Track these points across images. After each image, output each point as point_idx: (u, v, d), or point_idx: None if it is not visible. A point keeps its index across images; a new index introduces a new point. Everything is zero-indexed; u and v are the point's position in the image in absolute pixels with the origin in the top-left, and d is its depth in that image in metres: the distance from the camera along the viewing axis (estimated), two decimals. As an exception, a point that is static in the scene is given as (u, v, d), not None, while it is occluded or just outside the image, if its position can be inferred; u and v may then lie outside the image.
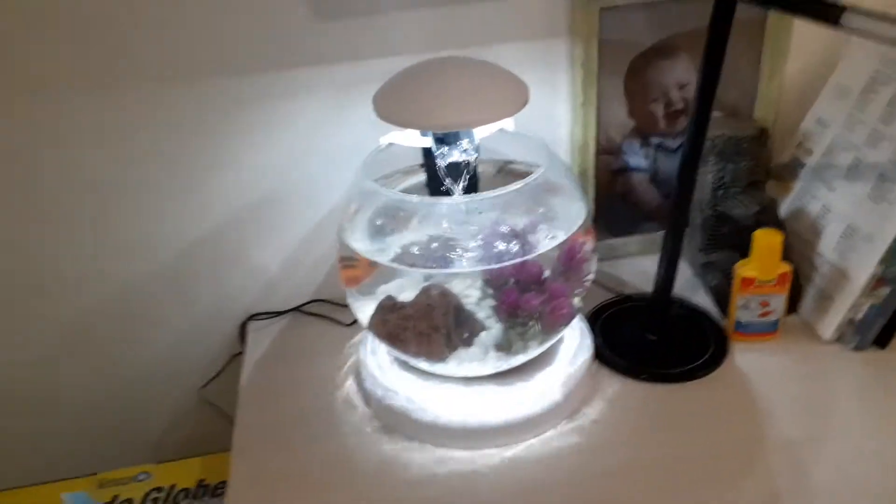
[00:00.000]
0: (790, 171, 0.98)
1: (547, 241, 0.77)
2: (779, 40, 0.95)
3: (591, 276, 0.83)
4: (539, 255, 0.76)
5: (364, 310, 0.83)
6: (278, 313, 1.00)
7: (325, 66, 0.88)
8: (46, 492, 0.91)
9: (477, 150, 0.76)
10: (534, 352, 0.80)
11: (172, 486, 0.91)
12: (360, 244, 0.80)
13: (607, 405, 0.82)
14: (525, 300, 0.78)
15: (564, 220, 0.79)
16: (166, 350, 1.01)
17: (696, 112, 0.75)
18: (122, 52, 0.83)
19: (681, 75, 0.95)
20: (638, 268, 1.04)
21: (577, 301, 0.81)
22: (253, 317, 1.01)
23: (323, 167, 0.94)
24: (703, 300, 0.96)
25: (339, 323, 0.97)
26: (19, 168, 0.87)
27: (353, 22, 0.86)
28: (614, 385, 0.84)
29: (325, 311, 1.00)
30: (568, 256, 0.80)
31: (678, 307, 0.94)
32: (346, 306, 0.85)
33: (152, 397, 1.04)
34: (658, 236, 1.05)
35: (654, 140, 0.99)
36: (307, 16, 0.85)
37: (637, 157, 1.00)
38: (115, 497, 0.90)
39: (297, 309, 1.01)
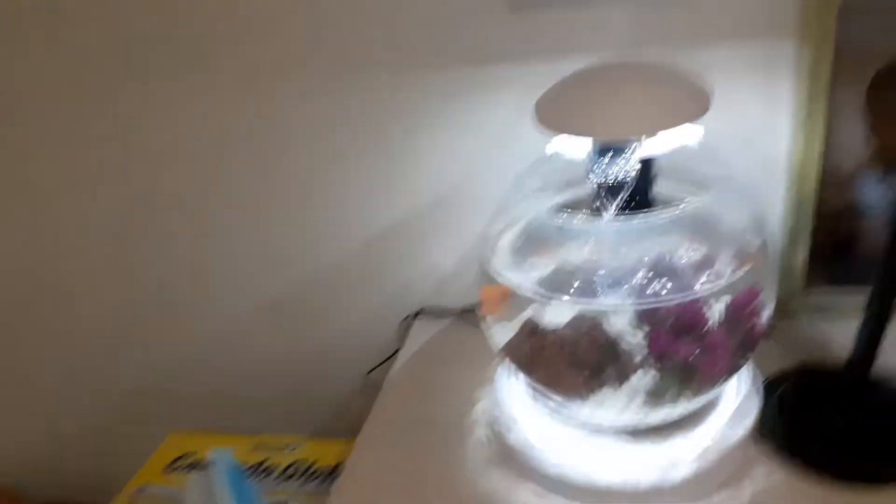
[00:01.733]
0: None
1: (706, 283, 0.65)
2: None
3: (763, 320, 0.68)
4: (705, 296, 0.65)
5: (500, 335, 0.78)
6: (446, 313, 1.00)
7: (519, 63, 0.84)
8: (218, 440, 1.01)
9: (636, 163, 0.67)
10: (676, 409, 0.69)
11: (313, 463, 0.95)
12: (504, 267, 0.75)
13: (753, 498, 0.67)
14: (673, 345, 0.67)
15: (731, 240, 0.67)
16: (342, 333, 1.06)
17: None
18: (328, 46, 0.86)
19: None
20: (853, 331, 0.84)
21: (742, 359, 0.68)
22: (421, 311, 1.01)
23: (506, 169, 0.90)
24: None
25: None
26: (243, 160, 0.95)
27: (552, 15, 0.80)
28: (774, 473, 0.69)
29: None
30: (737, 304, 0.67)
31: (883, 384, 0.74)
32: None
33: (325, 377, 1.10)
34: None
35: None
36: (503, 7, 0.81)
37: (872, 194, 0.80)
38: (263, 461, 0.96)
39: (463, 312, 0.99)
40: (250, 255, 1.03)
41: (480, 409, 0.83)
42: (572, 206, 0.79)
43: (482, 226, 0.93)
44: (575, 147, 0.72)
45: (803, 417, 0.74)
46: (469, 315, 0.98)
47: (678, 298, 0.65)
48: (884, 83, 0.75)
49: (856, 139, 0.78)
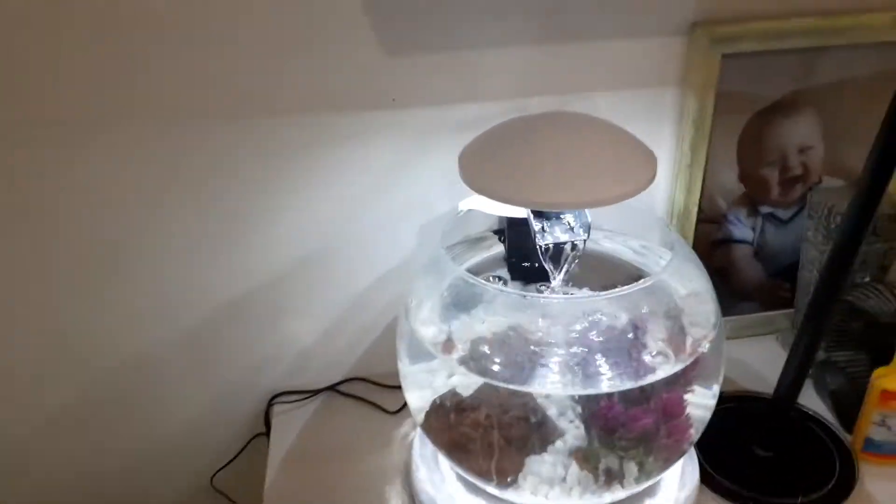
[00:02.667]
0: (922, 253, 0.83)
1: (665, 357, 0.61)
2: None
3: (718, 383, 0.67)
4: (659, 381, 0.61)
5: (419, 399, 0.67)
6: (310, 393, 0.85)
7: (395, 110, 0.73)
8: None
9: (587, 229, 0.61)
10: (635, 486, 0.64)
11: None
12: (429, 329, 0.65)
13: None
14: (632, 418, 0.62)
15: (685, 314, 0.64)
16: (177, 429, 0.86)
17: (870, 184, 0.59)
18: (156, 91, 0.68)
19: (804, 136, 0.80)
20: (733, 355, 0.88)
21: (695, 413, 0.66)
22: (279, 395, 0.85)
23: (381, 224, 0.79)
24: (813, 403, 0.81)
25: (381, 409, 0.82)
26: (24, 219, 0.72)
27: (430, 59, 0.71)
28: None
29: (366, 392, 0.84)
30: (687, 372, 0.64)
31: (793, 413, 0.79)
32: (390, 387, 0.70)
33: (158, 481, 0.89)
34: (757, 318, 0.90)
35: (764, 209, 0.84)
36: (379, 51, 0.70)
37: (743, 228, 0.85)
38: None
39: (331, 388, 0.85)
40: (44, 346, 0.79)
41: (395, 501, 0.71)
42: (490, 266, 0.72)
43: (351, 292, 0.82)
44: (494, 205, 0.64)
45: (726, 449, 0.75)
46: (340, 394, 0.85)
47: (631, 383, 0.60)
48: (755, 129, 0.79)
49: (730, 180, 0.81)
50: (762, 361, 0.85)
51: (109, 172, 0.71)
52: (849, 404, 0.76)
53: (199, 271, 0.77)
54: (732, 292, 0.88)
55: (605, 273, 0.74)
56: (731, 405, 0.80)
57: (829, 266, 0.63)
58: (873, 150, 0.58)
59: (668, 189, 0.82)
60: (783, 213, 0.84)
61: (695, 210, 0.82)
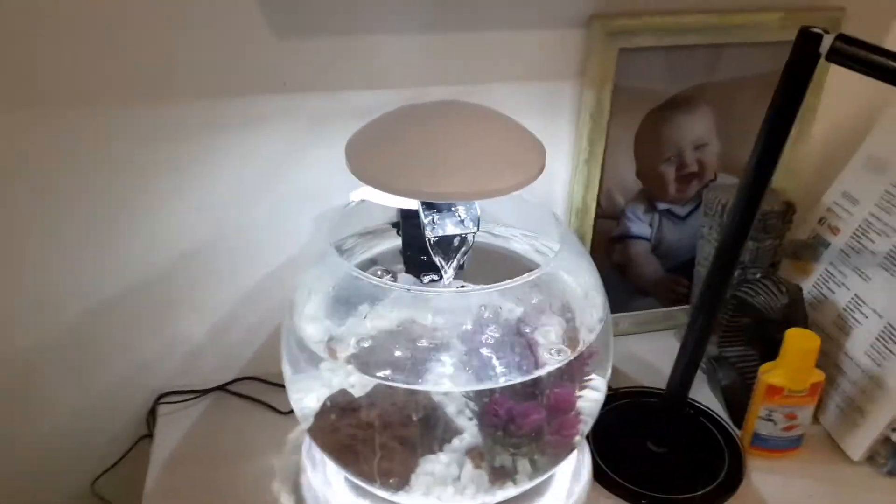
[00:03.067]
0: (810, 250, 0.85)
1: (556, 352, 0.60)
2: (809, 97, 0.81)
3: (605, 376, 0.67)
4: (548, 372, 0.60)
5: (306, 400, 0.64)
6: (198, 392, 0.80)
7: (287, 95, 0.70)
8: None
9: (477, 222, 0.59)
10: (527, 483, 0.63)
11: None
12: (315, 326, 0.62)
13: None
14: (522, 413, 0.61)
15: (574, 308, 0.63)
16: (55, 433, 0.80)
17: (753, 180, 0.60)
18: (35, 72, 0.63)
19: (700, 133, 0.81)
20: (631, 351, 0.89)
21: (586, 407, 0.65)
22: (165, 395, 0.80)
23: (273, 215, 0.75)
24: (707, 398, 0.82)
25: (273, 409, 0.78)
26: None
27: (324, 44, 0.68)
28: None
29: (257, 391, 0.80)
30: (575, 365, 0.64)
31: (686, 409, 0.80)
32: (283, 386, 0.67)
33: (35, 489, 0.83)
34: (655, 314, 0.91)
35: (661, 206, 0.84)
36: (268, 32, 0.66)
37: (640, 224, 0.85)
38: None
39: (221, 388, 0.81)
40: None
41: (284, 508, 0.68)
42: (387, 260, 0.70)
43: (242, 287, 0.78)
44: (387, 196, 0.62)
45: (619, 446, 0.75)
46: (231, 394, 0.81)
47: (523, 377, 0.59)
48: (652, 124, 0.79)
49: (628, 176, 0.82)
50: (660, 357, 0.86)
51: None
52: (739, 400, 0.77)
53: (79, 264, 0.72)
54: (631, 288, 0.89)
55: (504, 270, 0.73)
56: (627, 401, 0.81)
57: (715, 261, 0.64)
58: (756, 145, 0.58)
59: (566, 184, 0.81)
60: (680, 210, 0.85)
61: (593, 206, 0.82)
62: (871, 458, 0.75)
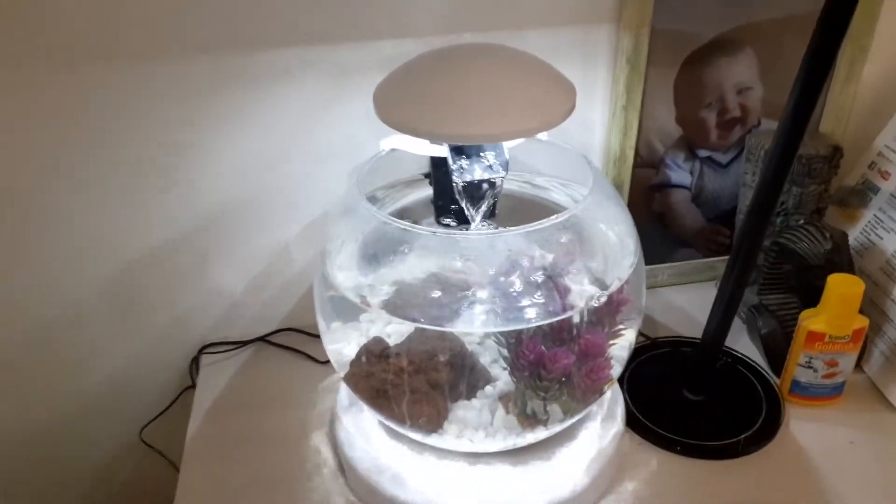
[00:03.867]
0: (859, 196, 0.82)
1: (584, 289, 0.60)
2: (860, 36, 0.78)
3: (637, 322, 0.66)
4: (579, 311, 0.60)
5: (342, 349, 0.66)
6: (239, 344, 0.82)
7: (316, 47, 0.70)
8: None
9: (506, 166, 0.59)
10: (558, 426, 0.64)
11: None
12: (348, 275, 0.63)
13: (642, 487, 0.66)
14: (552, 358, 0.61)
15: (608, 254, 0.62)
16: (103, 384, 0.84)
17: (790, 126, 0.57)
18: (57, 30, 0.64)
19: (742, 76, 0.78)
20: (670, 302, 0.88)
21: (616, 353, 0.65)
22: (208, 347, 0.83)
23: (306, 169, 0.76)
24: (747, 347, 0.81)
25: (312, 359, 0.80)
26: None
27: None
28: (649, 460, 0.69)
29: (297, 342, 0.82)
30: (610, 299, 0.63)
31: (723, 357, 0.78)
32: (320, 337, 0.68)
33: (84, 440, 0.86)
34: (696, 265, 0.89)
35: (702, 153, 0.82)
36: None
37: (681, 173, 0.83)
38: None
39: (261, 339, 0.83)
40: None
41: (319, 450, 0.70)
42: (418, 211, 0.70)
43: (278, 241, 0.79)
44: (417, 143, 0.62)
45: (656, 396, 0.74)
46: (271, 345, 0.83)
47: (552, 318, 0.59)
48: (692, 69, 0.77)
49: (668, 122, 0.80)
50: (700, 308, 0.84)
51: (5, 117, 0.67)
52: (779, 348, 0.76)
53: (113, 219, 0.74)
54: (671, 239, 0.87)
55: (538, 218, 0.72)
56: (665, 350, 0.80)
57: (752, 207, 0.62)
58: (794, 86, 0.56)
59: (603, 132, 0.80)
60: (722, 157, 0.83)
61: (631, 154, 0.80)
62: (917, 407, 0.73)
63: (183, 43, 0.67)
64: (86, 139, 0.69)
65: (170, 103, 0.69)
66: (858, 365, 0.76)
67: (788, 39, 0.77)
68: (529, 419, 0.64)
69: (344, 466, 0.67)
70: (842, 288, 0.68)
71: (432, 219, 0.71)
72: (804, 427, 0.72)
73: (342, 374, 0.66)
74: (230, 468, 0.69)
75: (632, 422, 0.71)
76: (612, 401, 0.71)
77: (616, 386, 0.72)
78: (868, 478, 0.66)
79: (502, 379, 0.65)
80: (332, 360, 0.68)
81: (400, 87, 0.57)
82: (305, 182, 0.76)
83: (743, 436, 0.70)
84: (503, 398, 0.64)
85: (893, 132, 0.80)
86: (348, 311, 0.64)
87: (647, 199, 0.84)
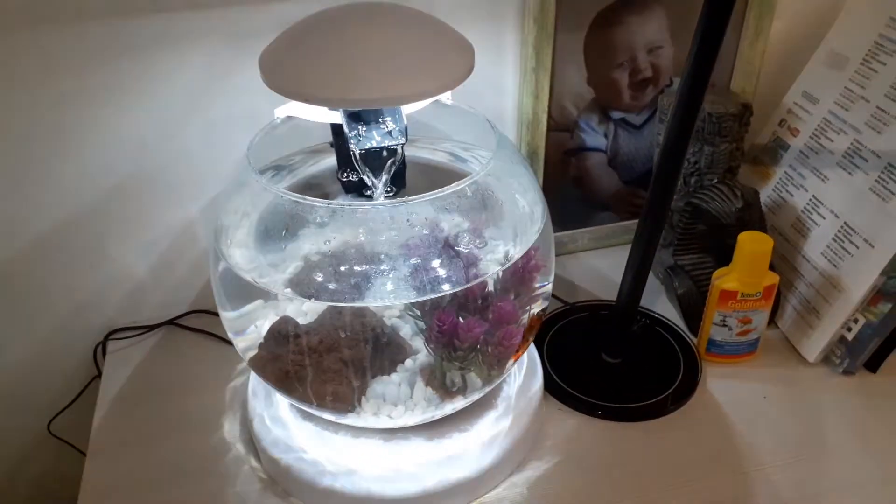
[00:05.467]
0: (770, 153, 0.83)
1: (495, 257, 0.59)
2: (767, -8, 0.78)
3: (548, 287, 0.65)
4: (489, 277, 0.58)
5: (244, 333, 0.63)
6: (147, 328, 0.79)
7: (208, 10, 0.66)
8: None
9: (405, 132, 0.57)
10: (476, 394, 0.63)
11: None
12: (244, 255, 0.60)
13: (561, 452, 0.66)
14: (465, 327, 0.60)
15: (515, 219, 0.61)
16: (5, 378, 0.79)
17: (691, 81, 0.57)
18: None
19: (652, 35, 0.78)
20: (589, 266, 0.87)
21: (527, 320, 0.64)
22: (114, 332, 0.79)
23: (206, 141, 0.72)
24: (665, 308, 0.81)
25: (225, 341, 0.77)
26: None
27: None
28: (569, 425, 0.68)
29: (209, 324, 0.79)
30: (517, 266, 0.62)
31: (641, 319, 0.79)
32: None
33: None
34: (614, 228, 0.89)
35: (616, 115, 0.82)
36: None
37: (595, 136, 0.82)
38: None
39: (171, 322, 0.79)
40: None
41: (231, 435, 0.67)
42: (321, 183, 0.67)
43: (181, 219, 0.76)
44: (313, 110, 0.59)
45: (575, 359, 0.74)
46: (181, 328, 0.79)
47: (456, 287, 0.57)
48: (602, 27, 0.76)
49: (579, 84, 0.78)
50: (619, 271, 0.83)
51: None
52: (695, 308, 0.76)
53: (4, 203, 0.69)
54: (588, 203, 0.87)
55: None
56: (583, 315, 0.79)
57: (660, 166, 0.61)
58: (694, 38, 0.55)
59: (515, 96, 0.78)
60: (635, 119, 0.82)
61: (544, 118, 0.79)
62: (826, 358, 0.74)
63: (54, 8, 0.62)
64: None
65: (55, 75, 0.65)
66: (773, 321, 0.78)
67: (697, -3, 0.77)
68: (448, 390, 0.62)
69: (257, 450, 0.65)
70: (751, 246, 0.69)
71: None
72: (721, 384, 0.72)
73: (248, 359, 0.63)
74: (139, 458, 0.66)
75: (551, 387, 0.71)
76: (531, 367, 0.70)
77: (535, 352, 0.72)
78: (782, 430, 0.68)
79: (423, 352, 0.63)
80: (237, 347, 0.65)
81: (287, 51, 0.54)
82: (207, 155, 0.73)
83: (661, 396, 0.70)
84: (423, 371, 0.63)
85: (801, 88, 0.81)
86: (247, 292, 0.61)
87: (563, 164, 0.83)
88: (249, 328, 0.63)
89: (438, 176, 0.69)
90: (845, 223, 0.72)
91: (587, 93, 0.79)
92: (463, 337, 0.60)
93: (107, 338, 0.79)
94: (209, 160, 0.73)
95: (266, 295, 0.61)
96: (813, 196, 0.76)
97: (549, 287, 0.65)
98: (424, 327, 0.62)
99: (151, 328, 0.79)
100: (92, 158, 0.70)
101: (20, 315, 0.76)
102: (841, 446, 0.66)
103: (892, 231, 0.67)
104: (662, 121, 0.78)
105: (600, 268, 0.87)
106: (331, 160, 0.68)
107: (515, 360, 0.64)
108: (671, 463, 0.65)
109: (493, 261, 0.59)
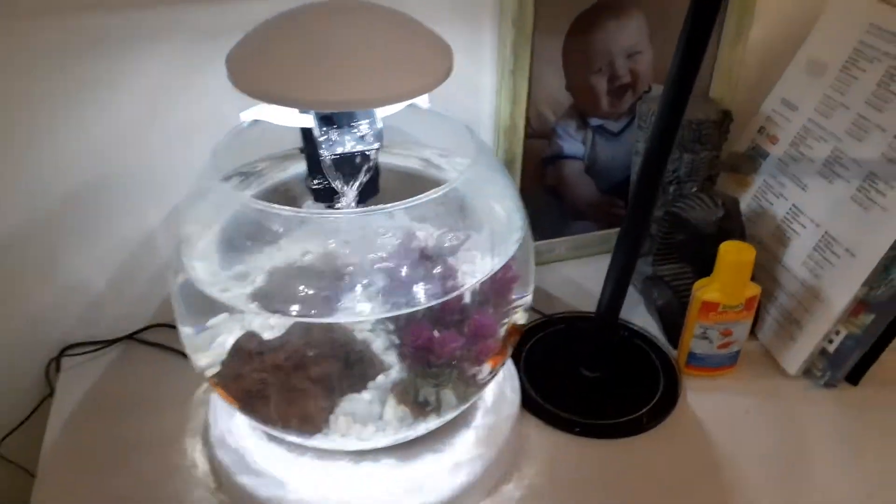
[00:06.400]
0: (749, 162, 0.82)
1: (472, 268, 0.56)
2: (746, -1, 0.77)
3: (527, 298, 0.63)
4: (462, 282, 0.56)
5: (206, 354, 0.59)
6: (104, 343, 0.75)
7: (171, 8, 0.63)
8: None
9: (379, 137, 0.54)
10: (449, 413, 0.60)
11: None
12: (206, 267, 0.56)
13: (539, 473, 0.63)
14: (440, 342, 0.57)
15: (494, 229, 0.59)
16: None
17: (675, 88, 0.55)
18: None
19: (631, 40, 0.76)
20: (568, 277, 0.85)
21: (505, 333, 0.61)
22: (69, 348, 0.74)
23: (167, 147, 0.69)
24: (644, 320, 0.79)
25: (185, 357, 0.73)
26: None
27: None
28: (545, 442, 0.66)
29: (170, 339, 0.75)
30: (496, 277, 0.59)
31: (620, 332, 0.77)
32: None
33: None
34: (591, 237, 0.87)
35: (594, 122, 0.80)
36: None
37: (573, 143, 0.80)
38: None
39: (129, 337, 0.75)
40: None
41: (193, 458, 0.63)
42: (290, 190, 0.64)
43: (141, 229, 0.72)
44: (283, 114, 0.56)
45: (553, 374, 0.72)
46: (140, 343, 0.75)
47: (432, 301, 0.55)
48: (581, 32, 0.74)
49: (558, 90, 0.76)
50: (597, 281, 0.81)
51: None
52: (675, 319, 0.74)
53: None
54: (566, 212, 0.84)
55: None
56: (561, 327, 0.77)
57: (642, 174, 0.60)
58: (678, 44, 0.53)
59: (492, 100, 0.76)
60: (614, 126, 0.81)
61: (522, 124, 0.76)
62: (807, 371, 0.73)
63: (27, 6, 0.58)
64: None
65: (7, 75, 0.61)
66: (753, 332, 0.76)
67: (676, 2, 0.75)
68: (421, 408, 0.60)
69: (219, 473, 0.61)
70: (733, 256, 0.67)
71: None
72: (702, 398, 0.70)
73: (210, 376, 0.60)
74: (93, 483, 0.61)
75: (528, 404, 0.68)
76: (508, 383, 0.67)
77: (512, 367, 0.69)
78: (764, 445, 0.66)
79: (396, 367, 0.60)
80: (196, 365, 0.61)
81: (255, 50, 0.51)
82: (168, 161, 0.69)
83: (641, 412, 0.68)
84: (395, 387, 0.60)
85: (780, 95, 0.80)
86: (208, 307, 0.57)
87: (540, 172, 0.81)
88: (212, 345, 0.59)
89: (413, 183, 0.66)
90: (826, 232, 0.71)
91: (565, 99, 0.77)
92: (438, 352, 0.57)
93: (61, 353, 0.74)
94: (170, 167, 0.69)
95: (230, 308, 0.58)
96: (793, 205, 0.75)
97: (528, 298, 0.62)
98: (398, 342, 0.60)
99: (109, 343, 0.75)
100: (45, 164, 0.66)
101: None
102: (824, 460, 0.65)
103: (874, 241, 0.66)
104: (641, 128, 0.77)
105: (578, 278, 0.85)
106: (300, 166, 0.65)
107: (492, 377, 0.61)
108: (652, 481, 0.62)
109: (471, 272, 0.57)
